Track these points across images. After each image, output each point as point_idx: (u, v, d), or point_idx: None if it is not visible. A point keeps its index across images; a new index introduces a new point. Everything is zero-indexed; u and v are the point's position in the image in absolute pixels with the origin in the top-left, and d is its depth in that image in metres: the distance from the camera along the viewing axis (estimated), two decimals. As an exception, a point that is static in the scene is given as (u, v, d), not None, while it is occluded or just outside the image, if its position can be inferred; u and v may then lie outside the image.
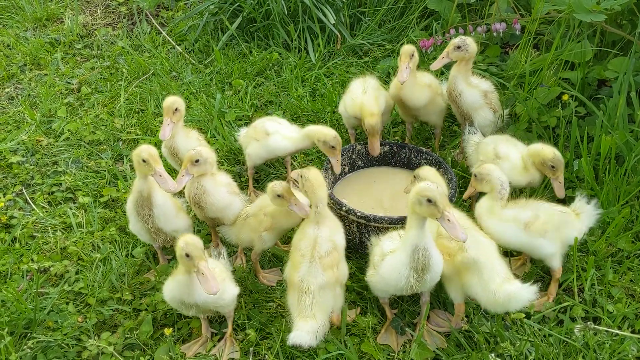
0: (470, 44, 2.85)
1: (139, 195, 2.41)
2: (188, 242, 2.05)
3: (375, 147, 2.89)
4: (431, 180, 2.20)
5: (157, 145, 3.30)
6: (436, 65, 2.95)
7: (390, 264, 2.15)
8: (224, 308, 2.28)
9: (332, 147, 2.72)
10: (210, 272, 2.03)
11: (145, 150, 2.32)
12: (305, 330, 2.07)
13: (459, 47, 2.84)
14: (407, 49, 2.89)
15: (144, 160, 2.32)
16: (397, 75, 2.90)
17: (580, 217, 2.48)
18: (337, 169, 2.78)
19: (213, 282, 2.02)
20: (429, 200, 1.98)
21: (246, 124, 3.49)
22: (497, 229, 2.37)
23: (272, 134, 2.86)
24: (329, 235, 2.23)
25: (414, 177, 2.44)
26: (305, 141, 2.84)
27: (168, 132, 2.67)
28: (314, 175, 2.26)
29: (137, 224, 2.50)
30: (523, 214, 2.36)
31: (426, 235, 2.07)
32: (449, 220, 1.98)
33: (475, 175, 2.47)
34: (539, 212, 2.37)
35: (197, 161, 2.41)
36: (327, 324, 2.17)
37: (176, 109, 2.67)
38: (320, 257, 2.17)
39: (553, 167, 2.56)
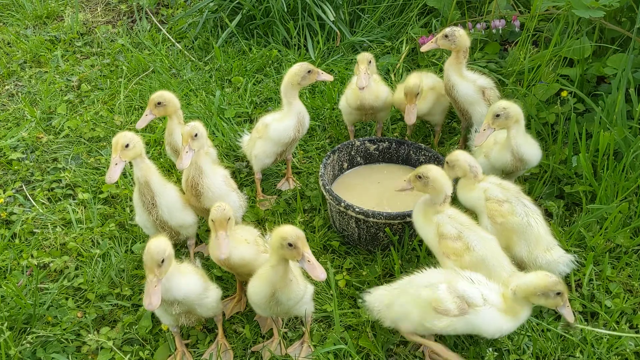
0: (459, 36, 2.85)
1: (138, 183, 2.43)
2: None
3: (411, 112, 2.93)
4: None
5: (157, 141, 3.32)
6: (425, 48, 2.99)
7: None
8: (207, 308, 2.20)
9: (309, 71, 2.75)
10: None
11: (115, 136, 2.34)
12: None
13: (446, 36, 2.86)
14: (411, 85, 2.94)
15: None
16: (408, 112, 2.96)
17: (553, 251, 2.33)
18: (329, 77, 2.83)
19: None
20: (290, 245, 1.96)
21: (244, 121, 3.51)
22: (467, 196, 2.47)
23: (270, 123, 2.85)
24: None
25: (447, 162, 2.49)
26: (292, 104, 2.80)
27: (142, 123, 2.70)
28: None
29: (143, 215, 2.49)
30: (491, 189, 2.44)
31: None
32: (308, 261, 1.98)
33: (447, 163, 2.50)
34: (509, 198, 2.37)
35: (196, 135, 2.41)
36: None
37: (159, 103, 2.68)
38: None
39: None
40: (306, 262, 1.97)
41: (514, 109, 2.56)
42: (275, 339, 2.31)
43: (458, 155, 2.45)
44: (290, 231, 1.97)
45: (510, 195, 2.37)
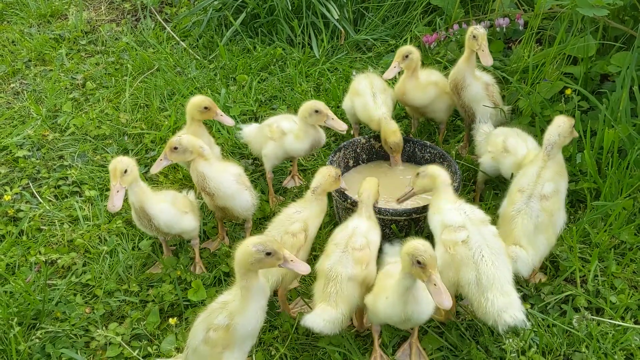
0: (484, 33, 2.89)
1: (133, 207, 2.46)
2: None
3: (398, 161, 2.95)
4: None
5: (162, 139, 3.33)
6: (488, 60, 2.82)
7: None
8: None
9: (317, 111, 2.76)
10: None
11: (112, 162, 2.33)
12: (322, 316, 2.08)
13: (474, 37, 2.83)
14: (402, 49, 2.96)
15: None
16: (386, 74, 3.03)
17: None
18: (340, 126, 2.80)
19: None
20: (419, 262, 1.89)
21: (250, 119, 3.52)
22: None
23: (288, 134, 2.87)
24: (366, 231, 2.27)
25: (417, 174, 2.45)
26: (309, 130, 2.84)
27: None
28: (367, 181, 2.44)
29: (142, 227, 2.54)
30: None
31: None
32: (435, 284, 1.89)
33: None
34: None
35: (175, 148, 2.43)
36: (348, 317, 2.16)
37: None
38: (353, 248, 2.19)
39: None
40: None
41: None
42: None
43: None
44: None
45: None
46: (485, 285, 2.06)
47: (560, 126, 2.43)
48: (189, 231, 2.57)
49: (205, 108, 2.71)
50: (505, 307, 2.02)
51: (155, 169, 2.49)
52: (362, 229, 2.28)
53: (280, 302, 2.43)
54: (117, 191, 2.29)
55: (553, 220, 2.36)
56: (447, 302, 1.85)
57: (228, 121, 2.80)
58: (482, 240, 2.14)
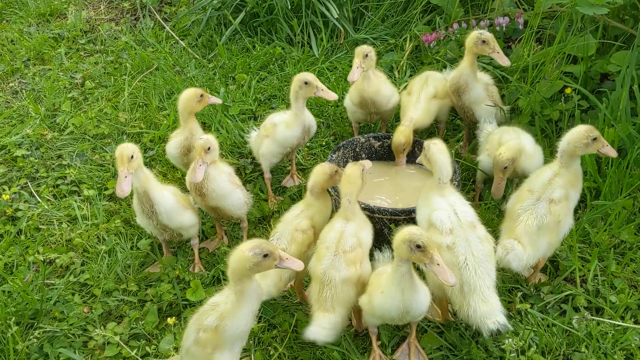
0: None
1: (136, 192, 2.45)
2: None
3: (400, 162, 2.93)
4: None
5: (161, 139, 3.32)
6: (506, 61, 2.89)
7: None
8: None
9: (306, 82, 2.75)
10: None
11: (118, 148, 2.34)
12: (322, 325, 2.07)
13: (483, 42, 2.85)
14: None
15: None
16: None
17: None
18: (331, 96, 2.79)
19: None
20: (418, 246, 1.92)
21: (249, 118, 3.51)
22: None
23: (278, 125, 2.86)
24: (355, 231, 2.23)
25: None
26: (299, 115, 2.82)
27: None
28: (349, 171, 2.31)
29: (143, 220, 2.54)
30: None
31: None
32: (438, 264, 1.94)
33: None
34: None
35: (209, 149, 2.44)
36: (347, 319, 2.16)
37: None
38: (344, 251, 2.17)
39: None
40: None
41: (512, 153, 2.56)
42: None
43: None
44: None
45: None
46: (467, 291, 2.11)
47: (573, 134, 2.35)
48: (188, 227, 2.56)
49: (201, 96, 2.77)
50: (488, 314, 2.07)
51: (200, 175, 2.42)
52: (350, 230, 2.22)
53: (298, 293, 2.45)
54: (125, 176, 2.30)
55: (559, 225, 2.35)
56: (453, 279, 1.93)
57: (217, 100, 2.88)
58: (467, 247, 2.15)
